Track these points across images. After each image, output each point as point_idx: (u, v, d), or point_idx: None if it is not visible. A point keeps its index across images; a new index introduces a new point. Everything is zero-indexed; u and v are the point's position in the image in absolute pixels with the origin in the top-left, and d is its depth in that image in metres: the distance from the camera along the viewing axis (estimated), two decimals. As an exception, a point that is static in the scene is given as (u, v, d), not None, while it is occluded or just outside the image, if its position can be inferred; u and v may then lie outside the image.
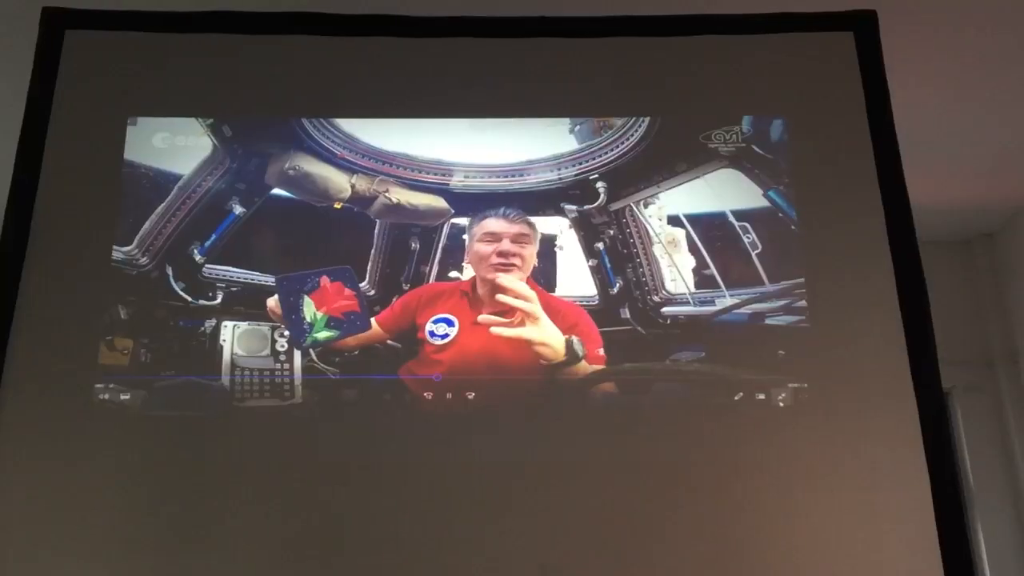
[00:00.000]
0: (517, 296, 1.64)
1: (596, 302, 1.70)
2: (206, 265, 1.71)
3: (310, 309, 1.66)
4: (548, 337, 1.63)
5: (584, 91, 1.82)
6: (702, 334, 1.67)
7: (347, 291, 1.68)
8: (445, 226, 1.74)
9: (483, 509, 1.54)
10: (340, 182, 1.76)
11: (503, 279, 1.66)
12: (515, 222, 1.72)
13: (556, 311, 1.67)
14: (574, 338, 1.62)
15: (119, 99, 1.78)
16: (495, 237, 1.71)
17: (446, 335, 1.66)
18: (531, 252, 1.71)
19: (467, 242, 1.73)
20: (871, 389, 1.59)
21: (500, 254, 1.69)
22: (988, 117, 2.61)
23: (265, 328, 1.67)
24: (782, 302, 1.67)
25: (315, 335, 1.66)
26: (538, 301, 1.65)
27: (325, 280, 1.68)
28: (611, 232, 1.74)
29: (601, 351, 1.64)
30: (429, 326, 1.67)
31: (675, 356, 1.65)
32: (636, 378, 1.64)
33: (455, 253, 1.73)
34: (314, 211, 1.75)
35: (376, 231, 1.74)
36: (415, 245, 1.73)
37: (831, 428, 1.57)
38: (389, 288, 1.70)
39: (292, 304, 1.66)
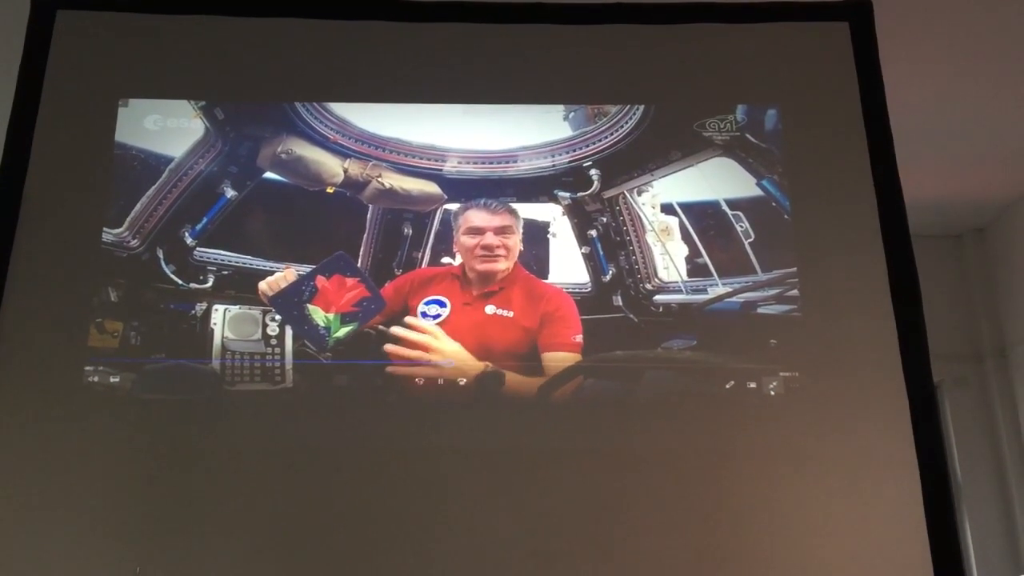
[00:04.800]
0: (412, 341, 1.64)
1: (589, 289, 1.70)
2: (197, 248, 1.70)
3: (319, 315, 1.65)
4: (450, 357, 1.63)
5: (579, 78, 1.82)
6: (694, 322, 1.67)
7: (349, 281, 1.67)
8: (438, 212, 1.73)
9: (473, 495, 1.54)
10: (333, 166, 1.75)
11: (408, 320, 1.66)
12: (497, 213, 1.72)
13: (540, 295, 1.68)
14: (489, 372, 1.62)
15: (111, 80, 1.77)
16: (478, 231, 1.71)
17: (438, 315, 1.67)
18: (515, 241, 1.72)
19: (454, 233, 1.73)
20: (862, 379, 1.60)
21: (484, 247, 1.70)
22: (981, 112, 2.62)
23: (256, 312, 1.66)
24: (774, 291, 1.67)
25: (336, 335, 1.65)
26: (436, 335, 1.64)
27: (321, 280, 1.67)
28: (604, 219, 1.74)
29: (578, 338, 1.65)
30: (421, 307, 1.67)
31: (667, 344, 1.65)
32: (627, 366, 1.64)
33: (448, 239, 1.72)
34: (306, 195, 1.74)
35: (369, 216, 1.73)
36: (408, 230, 1.73)
37: (821, 417, 1.58)
38: (381, 273, 1.69)
39: (297, 318, 1.65)
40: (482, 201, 1.73)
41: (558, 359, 1.63)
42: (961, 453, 3.10)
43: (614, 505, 1.54)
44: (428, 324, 1.65)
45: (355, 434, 1.60)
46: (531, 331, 1.66)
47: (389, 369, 1.63)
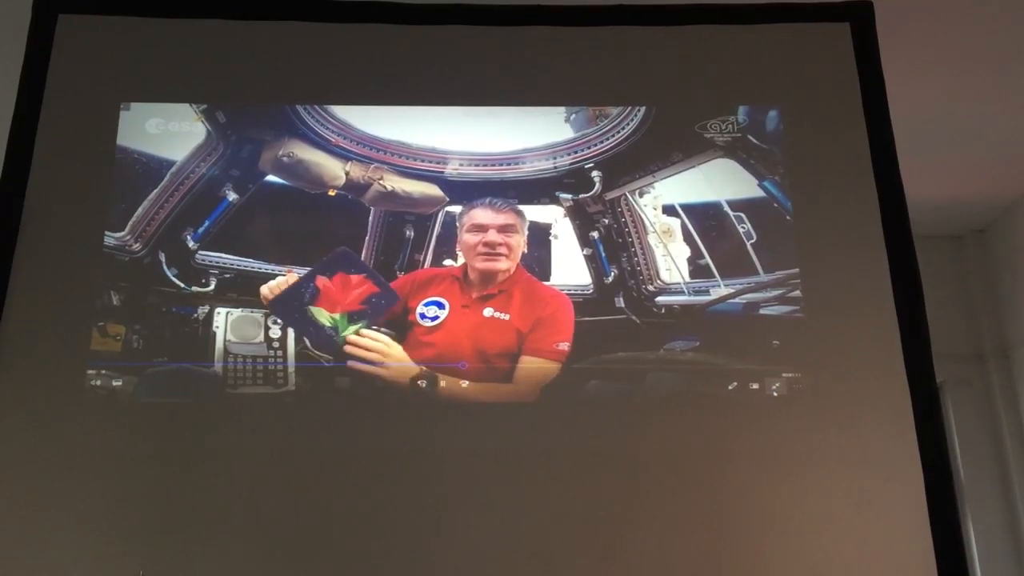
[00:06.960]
0: (367, 349, 1.64)
1: (591, 291, 1.70)
2: (199, 251, 1.70)
3: (324, 316, 1.64)
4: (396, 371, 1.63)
5: (580, 80, 1.82)
6: (696, 324, 1.67)
7: (354, 278, 1.67)
8: (440, 214, 1.73)
9: (476, 496, 1.54)
10: (334, 169, 1.76)
11: (355, 337, 1.64)
12: (502, 212, 1.72)
13: (538, 299, 1.68)
14: (425, 380, 1.62)
15: (112, 84, 1.77)
16: (481, 228, 1.71)
17: (436, 317, 1.66)
18: (519, 240, 1.72)
19: (457, 231, 1.73)
20: (864, 379, 1.60)
21: (486, 244, 1.70)
22: (982, 112, 2.62)
23: (258, 315, 1.66)
24: (776, 292, 1.67)
25: (344, 334, 1.64)
26: (389, 345, 1.64)
27: (323, 281, 1.66)
28: (606, 221, 1.74)
29: (563, 345, 1.64)
30: (420, 308, 1.67)
31: (669, 345, 1.65)
32: (630, 367, 1.64)
33: (449, 241, 1.72)
34: (308, 198, 1.74)
35: (370, 219, 1.73)
36: (409, 233, 1.73)
37: (824, 417, 1.58)
38: (383, 275, 1.69)
39: (300, 321, 1.64)
40: (488, 200, 1.73)
41: (532, 364, 1.63)
42: (964, 453, 3.09)
43: (617, 506, 1.54)
44: (377, 334, 1.64)
45: (358, 436, 1.59)
46: (524, 334, 1.66)
47: (350, 364, 1.62)
